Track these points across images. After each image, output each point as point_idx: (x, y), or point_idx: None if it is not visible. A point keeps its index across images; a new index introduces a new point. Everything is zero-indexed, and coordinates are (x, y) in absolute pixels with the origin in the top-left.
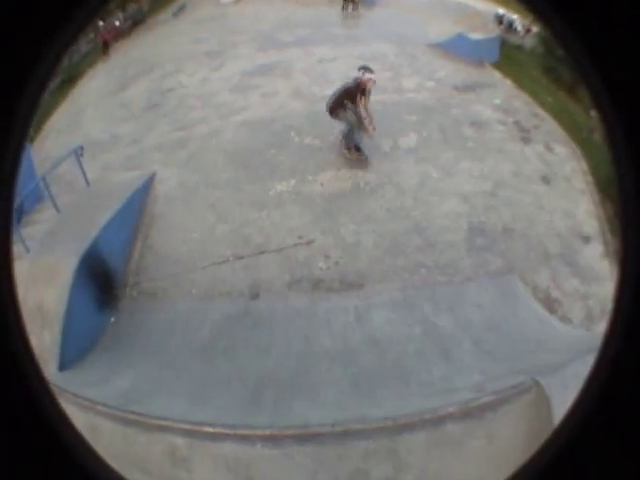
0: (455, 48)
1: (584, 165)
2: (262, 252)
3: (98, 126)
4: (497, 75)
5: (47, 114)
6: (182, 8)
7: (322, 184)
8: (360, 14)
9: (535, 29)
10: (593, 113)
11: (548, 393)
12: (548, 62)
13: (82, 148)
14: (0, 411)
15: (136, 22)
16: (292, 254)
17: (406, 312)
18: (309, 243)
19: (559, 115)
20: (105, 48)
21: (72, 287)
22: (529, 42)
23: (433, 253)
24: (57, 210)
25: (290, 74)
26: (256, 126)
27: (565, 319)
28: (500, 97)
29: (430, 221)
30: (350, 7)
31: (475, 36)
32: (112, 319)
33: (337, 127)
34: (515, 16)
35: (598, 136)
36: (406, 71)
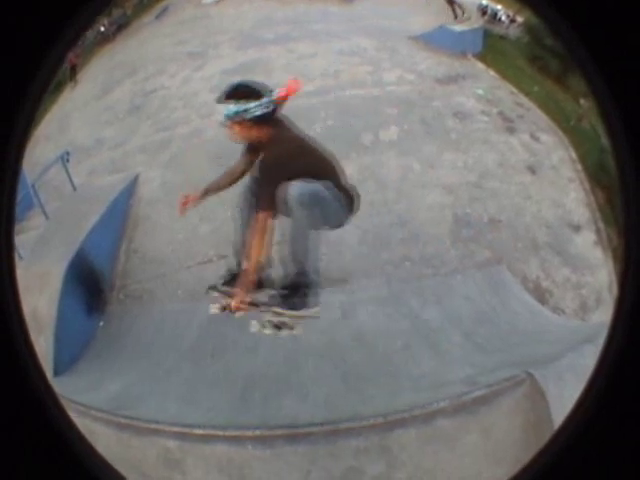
0: (437, 40)
1: (572, 153)
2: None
3: (83, 131)
4: (480, 66)
5: (36, 122)
6: (165, 10)
7: None
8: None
9: (520, 19)
10: (582, 101)
11: (543, 385)
12: (534, 51)
13: (68, 153)
14: (7, 415)
15: (120, 26)
16: (274, 251)
17: (392, 306)
18: None
19: (545, 104)
20: (72, 73)
21: (62, 293)
22: (514, 32)
23: (418, 246)
24: (46, 217)
25: (270, 72)
26: None
27: (557, 309)
28: (483, 88)
29: (414, 214)
30: None
31: (458, 27)
32: (101, 323)
33: (317, 122)
34: (499, 6)
35: (587, 124)
36: (387, 65)
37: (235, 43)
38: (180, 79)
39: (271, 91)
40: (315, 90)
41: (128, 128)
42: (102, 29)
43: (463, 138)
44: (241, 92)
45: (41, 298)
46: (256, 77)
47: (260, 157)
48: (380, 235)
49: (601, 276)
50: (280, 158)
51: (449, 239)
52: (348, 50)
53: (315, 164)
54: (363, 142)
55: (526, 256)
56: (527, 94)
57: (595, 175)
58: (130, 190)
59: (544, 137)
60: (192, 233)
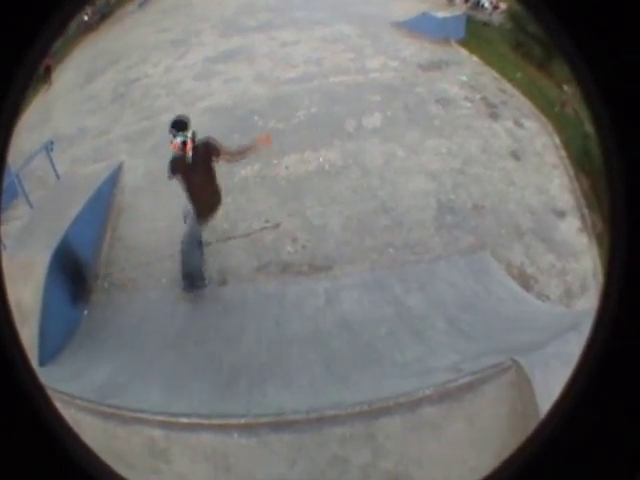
0: (420, 27)
1: (556, 139)
2: (229, 237)
3: (67, 120)
4: (463, 52)
5: (19, 112)
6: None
7: (287, 167)
8: None
9: (503, 6)
10: (566, 87)
11: (528, 373)
12: (517, 38)
13: (52, 143)
14: None
15: (104, 15)
16: (259, 238)
17: (377, 293)
18: (275, 227)
19: (529, 90)
20: (47, 75)
21: (46, 283)
22: (497, 18)
23: (401, 232)
24: (30, 206)
25: (253, 59)
26: (219, 112)
27: (542, 296)
28: (466, 74)
29: (397, 200)
30: None
31: (440, 14)
32: (85, 312)
33: (300, 110)
34: None
35: (570, 110)
36: (369, 51)
37: (217, 31)
38: (163, 67)
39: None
40: (298, 77)
41: (111, 116)
42: (85, 18)
43: (446, 124)
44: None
45: (25, 289)
46: (239, 64)
47: None
48: (364, 221)
49: (586, 262)
50: None
51: (433, 225)
52: (331, 37)
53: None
54: (346, 129)
55: (510, 242)
56: (510, 80)
57: (579, 161)
58: (114, 178)
59: (528, 123)
60: (175, 221)
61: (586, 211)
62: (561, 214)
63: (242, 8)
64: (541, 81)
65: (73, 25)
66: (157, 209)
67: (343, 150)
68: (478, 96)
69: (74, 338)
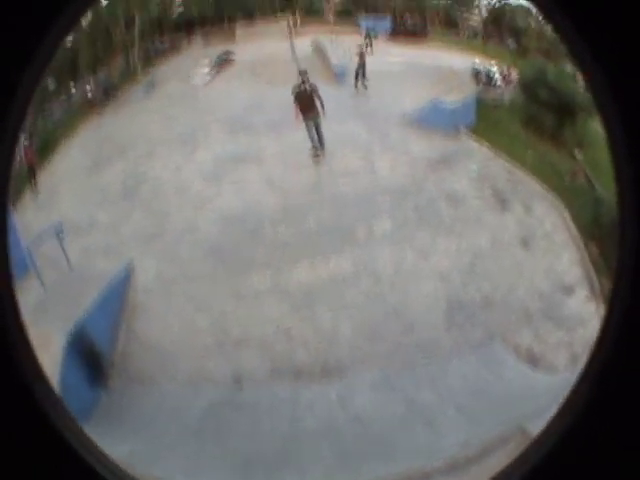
0: (429, 119)
1: (566, 214)
2: (242, 341)
3: (75, 206)
4: (473, 144)
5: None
6: (152, 85)
7: (298, 274)
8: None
9: (515, 74)
10: (577, 152)
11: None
12: (528, 111)
13: (62, 230)
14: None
15: (107, 93)
16: (271, 343)
17: (388, 393)
18: (287, 332)
19: (539, 169)
20: (31, 175)
21: (63, 362)
22: (508, 94)
23: (412, 335)
24: (42, 284)
25: (262, 160)
26: (230, 216)
27: (551, 368)
28: (476, 166)
29: (408, 304)
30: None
31: (450, 102)
32: (102, 395)
33: (310, 216)
34: (493, 67)
35: (582, 178)
36: (378, 149)
37: (225, 126)
38: (172, 166)
39: None
40: (307, 179)
41: (121, 213)
42: (89, 95)
43: (457, 221)
44: None
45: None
46: (248, 165)
47: None
48: (374, 326)
49: (592, 326)
50: None
51: (443, 325)
52: (340, 136)
53: None
54: (357, 234)
55: (519, 327)
56: (520, 161)
57: (589, 229)
58: (127, 277)
59: (537, 206)
60: (189, 324)
61: (595, 278)
62: (569, 289)
63: (250, 104)
64: (552, 155)
65: (77, 100)
66: (170, 311)
67: (354, 256)
68: (487, 188)
69: (90, 419)
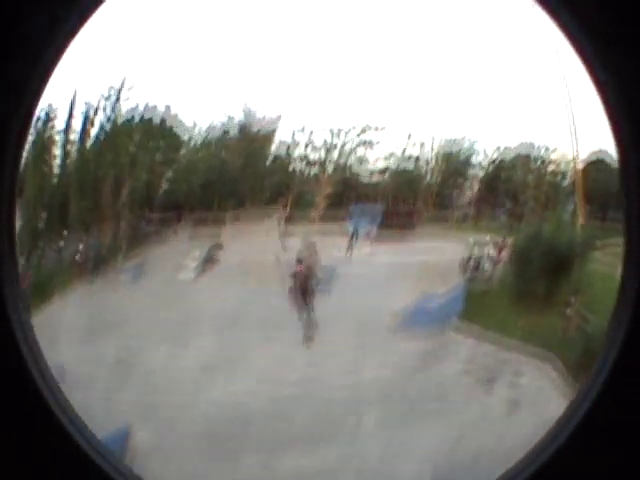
0: (416, 319)
1: (553, 374)
2: None
3: (71, 358)
4: (459, 337)
5: None
6: (141, 270)
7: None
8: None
9: (508, 245)
10: (572, 300)
11: None
12: (519, 287)
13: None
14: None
15: (96, 263)
16: None
17: None
18: None
19: (530, 337)
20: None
21: None
22: (498, 274)
23: None
24: None
25: (252, 363)
26: (217, 425)
27: None
28: (463, 357)
29: None
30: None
31: (437, 298)
32: None
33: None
34: (485, 248)
35: (573, 327)
36: (364, 358)
37: (214, 328)
38: (163, 359)
39: None
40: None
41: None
42: (77, 257)
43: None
44: None
45: None
46: (237, 368)
47: None
48: None
49: None
50: None
51: None
52: (320, 351)
53: None
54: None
55: None
56: (510, 335)
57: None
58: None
59: (524, 378)
60: None
61: None
62: None
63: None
64: (543, 320)
65: (67, 257)
66: None
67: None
68: (474, 380)
69: None
